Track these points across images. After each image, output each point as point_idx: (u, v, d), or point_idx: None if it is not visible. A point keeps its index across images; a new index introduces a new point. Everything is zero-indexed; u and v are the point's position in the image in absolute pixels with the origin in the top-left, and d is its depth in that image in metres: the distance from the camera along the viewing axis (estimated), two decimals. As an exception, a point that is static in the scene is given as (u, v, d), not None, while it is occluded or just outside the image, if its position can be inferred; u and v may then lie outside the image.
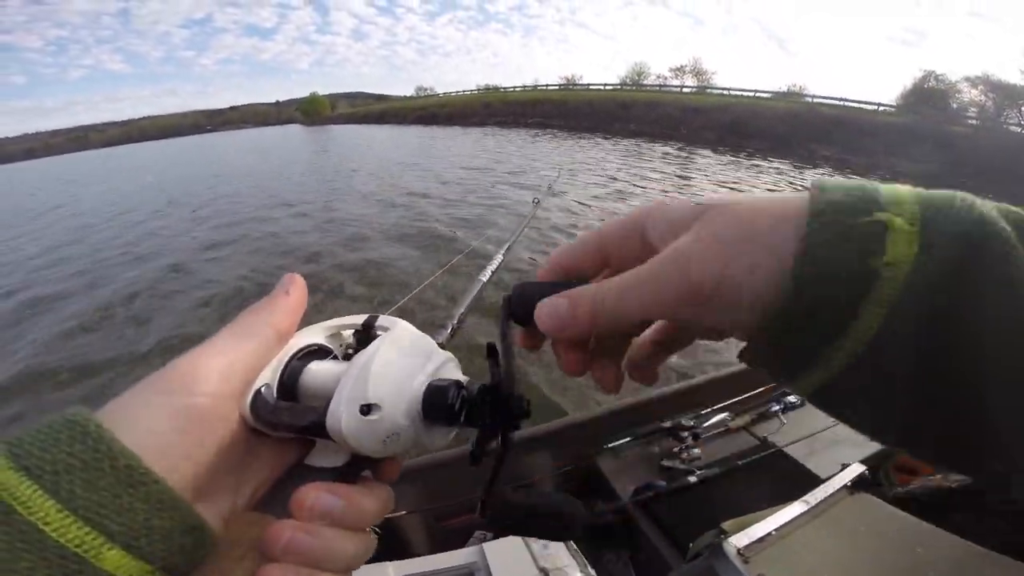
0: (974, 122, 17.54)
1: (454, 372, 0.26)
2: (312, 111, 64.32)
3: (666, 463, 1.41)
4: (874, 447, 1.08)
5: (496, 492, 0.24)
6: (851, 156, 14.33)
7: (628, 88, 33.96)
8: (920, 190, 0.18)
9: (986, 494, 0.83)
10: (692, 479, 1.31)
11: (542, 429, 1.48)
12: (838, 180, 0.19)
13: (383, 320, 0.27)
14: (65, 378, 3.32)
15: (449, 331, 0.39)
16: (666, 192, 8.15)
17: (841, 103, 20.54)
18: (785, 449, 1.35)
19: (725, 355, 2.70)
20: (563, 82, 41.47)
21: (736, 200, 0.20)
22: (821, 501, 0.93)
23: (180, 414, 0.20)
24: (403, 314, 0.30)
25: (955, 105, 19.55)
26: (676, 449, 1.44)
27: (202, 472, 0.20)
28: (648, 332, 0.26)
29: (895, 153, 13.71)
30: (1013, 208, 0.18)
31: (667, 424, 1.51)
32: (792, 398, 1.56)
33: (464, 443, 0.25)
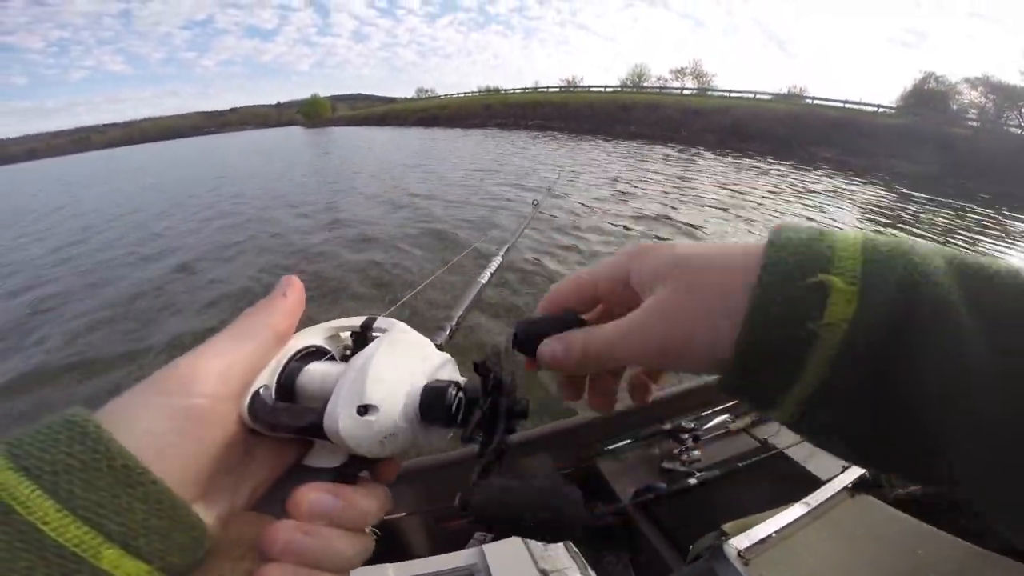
0: (974, 123, 17.54)
1: (452, 373, 0.26)
2: (313, 113, 64.42)
3: (666, 465, 1.41)
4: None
5: (484, 487, 0.22)
6: (851, 158, 14.29)
7: (629, 90, 34.02)
8: (867, 237, 0.20)
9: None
10: (692, 481, 1.31)
11: (542, 431, 1.47)
12: (794, 231, 0.21)
13: (381, 322, 0.27)
14: (71, 377, 3.32)
15: (448, 332, 0.39)
16: (667, 193, 8.14)
17: (841, 105, 20.57)
18: (786, 451, 1.35)
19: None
20: (564, 84, 41.66)
21: (704, 256, 0.22)
22: (822, 503, 0.93)
23: (179, 415, 0.20)
24: (408, 313, 0.30)
25: (955, 106, 19.56)
26: (676, 451, 1.43)
27: (201, 472, 0.20)
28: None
29: (895, 155, 13.72)
30: (958, 254, 0.19)
31: (667, 426, 1.51)
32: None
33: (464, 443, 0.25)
